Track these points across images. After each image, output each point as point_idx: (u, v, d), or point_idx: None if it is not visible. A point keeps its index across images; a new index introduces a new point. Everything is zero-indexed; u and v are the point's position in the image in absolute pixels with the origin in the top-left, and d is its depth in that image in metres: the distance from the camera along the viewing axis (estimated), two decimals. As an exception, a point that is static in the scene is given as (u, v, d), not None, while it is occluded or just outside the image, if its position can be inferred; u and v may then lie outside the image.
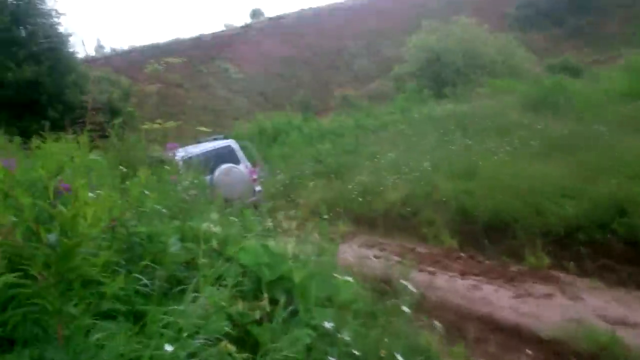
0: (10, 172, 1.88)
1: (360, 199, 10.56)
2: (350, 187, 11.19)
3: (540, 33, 37.66)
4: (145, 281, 2.17)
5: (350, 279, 3.39)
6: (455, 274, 6.58)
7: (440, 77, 22.41)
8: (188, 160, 9.56)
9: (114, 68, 35.04)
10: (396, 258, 7.58)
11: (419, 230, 8.74)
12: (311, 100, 39.11)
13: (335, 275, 3.43)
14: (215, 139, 12.43)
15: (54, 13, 15.47)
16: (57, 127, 12.99)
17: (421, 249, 7.87)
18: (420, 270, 6.87)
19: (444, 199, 8.78)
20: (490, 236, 7.51)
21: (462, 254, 7.24)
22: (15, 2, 14.34)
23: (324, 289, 3.10)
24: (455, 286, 6.40)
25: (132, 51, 41.23)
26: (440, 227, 8.25)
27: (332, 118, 22.61)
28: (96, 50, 42.36)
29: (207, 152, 10.63)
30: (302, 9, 55.62)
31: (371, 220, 9.89)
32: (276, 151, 16.78)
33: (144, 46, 42.67)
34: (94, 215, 1.77)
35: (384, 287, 6.53)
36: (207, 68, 40.91)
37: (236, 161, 11.41)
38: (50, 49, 14.60)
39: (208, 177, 9.41)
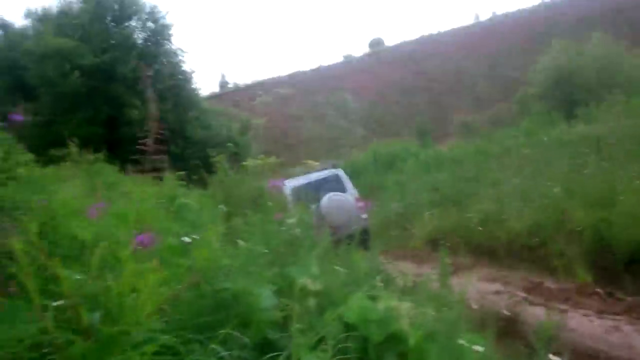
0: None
1: (480, 229, 9.82)
2: (469, 215, 10.48)
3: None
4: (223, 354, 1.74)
5: (479, 347, 2.70)
6: (590, 313, 5.74)
7: (570, 98, 20.92)
8: (296, 190, 10.79)
9: (234, 102, 36.73)
10: (521, 294, 6.86)
11: (546, 262, 7.88)
12: (429, 126, 38.31)
13: (461, 340, 2.75)
14: (324, 169, 12.73)
15: (179, 52, 16.31)
16: (177, 161, 13.35)
17: (550, 283, 7.03)
18: (549, 308, 6.09)
19: (578, 228, 7.87)
20: (631, 271, 6.56)
21: (598, 290, 6.34)
22: (142, 43, 15.24)
23: (446, 354, 2.47)
24: (592, 327, 5.58)
25: (254, 85, 42.95)
26: (573, 259, 7.36)
27: (450, 144, 21.82)
28: (221, 85, 44.49)
29: (314, 181, 11.33)
30: (422, 35, 55.33)
31: (492, 251, 9.13)
32: (391, 179, 16.33)
33: (265, 80, 44.24)
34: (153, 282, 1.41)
35: (508, 327, 5.86)
36: (324, 98, 41.56)
37: (343, 189, 11.44)
38: (173, 87, 15.31)
39: (315, 206, 9.93)
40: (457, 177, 14.03)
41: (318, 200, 10.35)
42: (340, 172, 12.12)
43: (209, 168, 16.28)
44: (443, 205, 12.37)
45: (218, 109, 18.45)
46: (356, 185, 17.13)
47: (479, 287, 7.62)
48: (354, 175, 18.45)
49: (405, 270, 9.45)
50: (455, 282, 7.50)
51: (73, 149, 10.17)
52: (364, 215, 11.09)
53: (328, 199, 10.48)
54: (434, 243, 10.83)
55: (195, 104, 16.52)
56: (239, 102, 36.18)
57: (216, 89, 36.13)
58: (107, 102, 14.70)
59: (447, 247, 10.15)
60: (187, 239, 2.51)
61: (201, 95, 18.50)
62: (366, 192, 16.25)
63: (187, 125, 15.52)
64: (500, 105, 38.29)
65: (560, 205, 9.16)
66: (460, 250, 9.83)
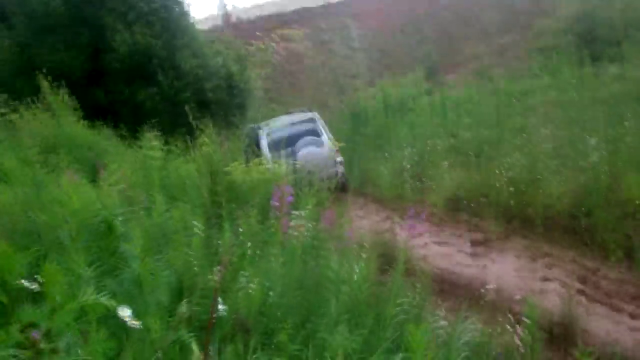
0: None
1: (511, 189, 8.59)
2: (495, 171, 9.21)
3: None
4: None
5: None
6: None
7: (592, 34, 19.21)
8: (272, 135, 11.64)
9: (238, 35, 34.64)
10: (576, 284, 5.71)
11: (596, 239, 6.71)
12: (436, 58, 36.44)
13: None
14: (302, 111, 13.31)
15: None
16: (167, 94, 11.90)
17: (607, 270, 5.87)
18: (616, 311, 4.97)
19: (635, 200, 6.67)
20: None
21: (673, 288, 5.21)
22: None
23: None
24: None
25: (258, 20, 40.17)
26: (630, 240, 6.19)
27: (461, 79, 20.31)
28: (219, 10, 41.94)
29: (289, 125, 12.11)
30: (429, -41, 52.10)
31: (527, 218, 7.92)
32: (402, 120, 14.97)
33: (270, 15, 41.39)
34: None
35: (567, 336, 4.75)
36: (326, 24, 39.37)
37: (317, 133, 11.96)
38: (161, 9, 13.60)
39: (290, 150, 10.87)
40: (476, 122, 12.67)
41: (294, 145, 11.23)
42: (315, 116, 12.48)
43: (203, 104, 14.90)
44: (462, 155, 11.09)
45: (213, 35, 16.74)
46: (365, 126, 15.87)
47: (517, 266, 6.50)
48: (361, 114, 17.12)
49: (423, 239, 8.34)
50: (490, 255, 6.36)
51: (44, 82, 8.71)
52: (340, 159, 11.92)
53: (305, 152, 11.14)
54: (455, 201, 9.64)
55: (186, 29, 14.83)
56: (246, 35, 34.06)
57: (216, 21, 33.78)
58: (87, 25, 13.02)
59: (472, 210, 9.03)
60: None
61: (192, 18, 16.74)
62: (375, 135, 14.95)
63: (177, 54, 13.93)
64: (510, 35, 36.34)
65: (606, 167, 7.94)
66: (487, 213, 8.62)
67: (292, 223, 3.71)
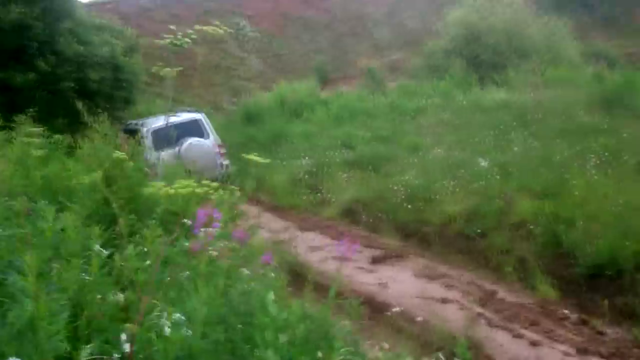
0: None
1: (409, 206, 8.71)
2: (393, 188, 9.32)
3: (571, 18, 35.38)
4: None
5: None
6: (570, 351, 4.77)
7: (478, 58, 20.32)
8: (155, 133, 11.14)
9: (121, 14, 32.92)
10: (476, 307, 5.80)
11: (491, 259, 6.93)
12: (330, 67, 37.01)
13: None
14: (189, 111, 12.91)
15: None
16: (47, 81, 10.87)
17: (505, 293, 6.02)
18: (515, 336, 5.07)
19: (527, 224, 6.96)
20: (598, 287, 5.72)
21: (567, 313, 5.41)
22: None
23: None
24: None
25: (147, 11, 38.65)
26: (525, 262, 6.42)
27: (357, 92, 20.60)
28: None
29: (174, 124, 11.48)
30: (325, -30, 52.94)
31: (424, 236, 8.05)
32: (298, 128, 14.84)
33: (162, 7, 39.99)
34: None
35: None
36: (221, 22, 38.44)
37: (202, 135, 11.78)
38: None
39: (175, 149, 10.86)
40: (372, 135, 12.84)
41: (179, 143, 11.01)
42: (202, 117, 12.24)
43: (85, 95, 13.84)
44: (359, 167, 11.16)
45: (101, 21, 15.62)
46: (260, 131, 15.58)
47: (417, 287, 6.52)
48: (256, 118, 16.80)
49: (323, 253, 8.22)
50: (389, 274, 6.33)
51: None
52: (226, 162, 11.79)
53: (187, 145, 11.03)
54: (351, 214, 9.64)
55: (69, 12, 13.69)
56: (128, 15, 32.38)
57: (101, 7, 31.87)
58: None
59: (370, 224, 9.06)
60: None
61: (78, 3, 15.55)
62: (270, 142, 14.70)
63: (60, 38, 12.81)
64: (400, 53, 37.73)
65: (497, 187, 8.28)
66: (385, 229, 8.69)
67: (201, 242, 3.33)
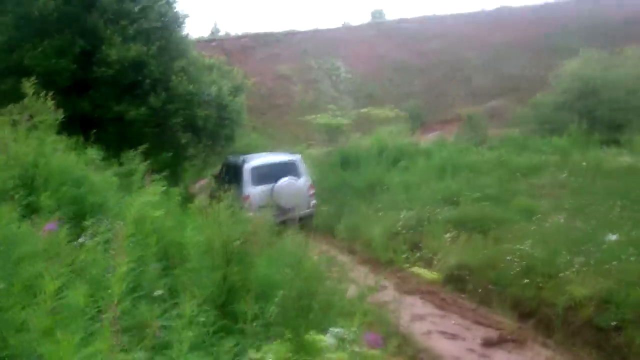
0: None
1: (525, 280, 7.77)
2: (506, 257, 8.39)
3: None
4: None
5: None
6: None
7: (593, 114, 18.95)
8: (255, 170, 12.29)
9: (225, 51, 33.94)
10: None
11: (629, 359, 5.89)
12: (423, 112, 36.31)
13: None
14: (286, 153, 13.90)
15: (171, -10, 13.66)
16: (157, 116, 10.97)
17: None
18: None
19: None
20: None
21: None
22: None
23: None
24: None
25: (244, 36, 40.00)
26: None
27: (458, 141, 19.78)
28: (212, 33, 41.43)
29: (271, 163, 12.79)
30: (425, 15, 52.80)
31: (544, 319, 7.09)
32: (396, 177, 14.17)
33: (258, 33, 41.21)
34: None
35: None
36: (317, 64, 38.92)
37: (297, 175, 12.63)
38: (162, 28, 12.73)
39: (271, 186, 11.96)
40: (477, 193, 11.91)
41: (274, 181, 12.06)
42: (298, 159, 13.10)
43: (191, 131, 13.96)
44: (464, 228, 10.29)
45: (210, 61, 15.93)
46: (356, 177, 15.07)
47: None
48: (352, 163, 16.31)
49: (426, 324, 7.42)
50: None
51: (29, 88, 7.57)
52: (313, 202, 12.79)
53: (282, 183, 12.06)
54: (456, 281, 8.79)
55: (184, 52, 13.98)
56: (230, 52, 33.34)
57: (205, 35, 33.09)
58: (83, 33, 12.16)
59: (478, 296, 8.18)
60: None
61: (191, 42, 15.87)
62: (366, 189, 14.12)
63: (172, 76, 13.04)
64: (498, 100, 36.53)
65: (636, 271, 7.19)
66: (494, 302, 7.80)
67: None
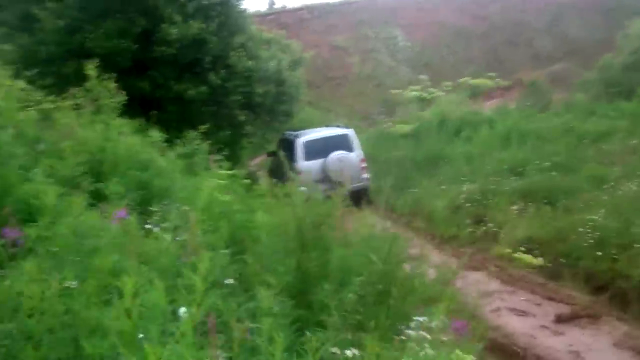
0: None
1: (598, 252, 7.47)
2: (577, 228, 8.08)
3: None
4: None
5: None
6: None
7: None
8: (308, 144, 12.63)
9: (281, 24, 33.85)
10: None
11: None
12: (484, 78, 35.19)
13: None
14: (338, 127, 14.27)
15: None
16: (216, 95, 10.98)
17: None
18: None
19: None
20: None
21: None
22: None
23: None
24: None
25: (301, 9, 39.79)
26: None
27: (521, 108, 19.12)
28: (269, 6, 41.36)
29: (324, 137, 13.03)
30: (485, -23, 50.70)
31: (619, 292, 6.82)
32: (458, 148, 13.86)
33: (314, 4, 40.88)
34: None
35: None
36: (374, 33, 38.31)
37: (349, 149, 12.74)
38: (221, 4, 12.70)
39: (323, 160, 12.27)
40: (545, 162, 11.48)
41: (326, 156, 12.31)
42: (350, 133, 13.17)
43: (249, 108, 14.03)
44: (531, 199, 9.99)
45: (268, 35, 15.86)
46: (416, 150, 14.85)
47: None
48: (411, 135, 16.08)
49: (495, 302, 7.26)
50: (582, 339, 5.23)
51: (91, 71, 7.76)
52: (365, 175, 12.74)
53: (334, 157, 12.28)
54: (524, 254, 8.55)
55: (242, 27, 13.95)
56: (287, 25, 33.22)
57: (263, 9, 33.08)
58: (143, 12, 12.21)
59: (548, 271, 7.95)
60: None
61: (249, 17, 15.82)
62: (427, 162, 13.89)
63: (232, 53, 13.03)
64: (560, 64, 34.99)
65: None
66: (565, 276, 7.57)
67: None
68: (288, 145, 13.05)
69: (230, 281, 2.70)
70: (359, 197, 12.08)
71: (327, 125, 15.18)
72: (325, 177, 11.81)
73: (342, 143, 12.77)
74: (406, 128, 16.79)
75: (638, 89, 15.62)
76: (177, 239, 3.13)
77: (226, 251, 2.92)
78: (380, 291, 2.96)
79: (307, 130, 13.76)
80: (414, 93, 25.12)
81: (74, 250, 2.54)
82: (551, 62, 36.81)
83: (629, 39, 20.60)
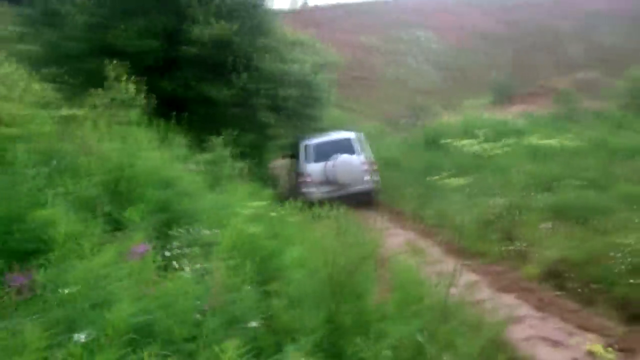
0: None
1: (631, 280, 7.21)
2: (612, 254, 7.81)
3: None
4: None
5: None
6: None
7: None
8: (315, 147, 13.54)
9: (313, 22, 33.72)
10: None
11: None
12: (509, 83, 34.75)
13: None
14: (344, 131, 14.91)
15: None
16: (240, 97, 10.87)
17: None
18: None
19: None
20: None
21: None
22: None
23: None
24: None
25: (330, 8, 39.66)
26: None
27: (551, 117, 18.78)
28: (302, 5, 41.41)
29: (330, 141, 13.82)
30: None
31: (656, 324, 6.57)
32: (487, 160, 13.60)
33: (344, 4, 40.71)
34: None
35: None
36: (404, 35, 38.01)
37: (353, 152, 13.50)
38: (245, 4, 12.59)
39: (328, 163, 13.10)
40: (575, 178, 11.19)
41: (329, 159, 13.18)
42: (353, 136, 14.03)
43: (274, 109, 13.91)
44: (562, 217, 9.73)
45: (295, 37, 15.69)
46: (444, 158, 14.61)
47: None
48: (438, 143, 15.80)
49: (524, 329, 7.04)
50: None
51: (115, 70, 7.66)
52: (369, 178, 13.36)
53: (336, 160, 13.01)
54: (555, 276, 8.31)
55: (268, 28, 13.83)
56: (318, 24, 33.06)
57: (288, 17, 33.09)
58: (167, 11, 12.16)
59: (580, 296, 7.70)
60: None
61: (276, 17, 15.67)
62: (455, 170, 13.62)
63: (256, 54, 12.93)
64: (585, 71, 34.35)
65: None
66: (598, 303, 7.32)
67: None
68: (297, 148, 13.94)
69: (254, 324, 2.55)
70: (362, 199, 12.65)
71: (337, 129, 15.89)
72: (327, 179, 12.74)
73: (345, 147, 13.56)
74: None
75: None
76: (199, 273, 2.99)
77: (252, 289, 2.77)
78: (419, 344, 2.80)
79: (316, 135, 14.54)
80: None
81: (85, 298, 2.36)
82: (576, 69, 36.27)
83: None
